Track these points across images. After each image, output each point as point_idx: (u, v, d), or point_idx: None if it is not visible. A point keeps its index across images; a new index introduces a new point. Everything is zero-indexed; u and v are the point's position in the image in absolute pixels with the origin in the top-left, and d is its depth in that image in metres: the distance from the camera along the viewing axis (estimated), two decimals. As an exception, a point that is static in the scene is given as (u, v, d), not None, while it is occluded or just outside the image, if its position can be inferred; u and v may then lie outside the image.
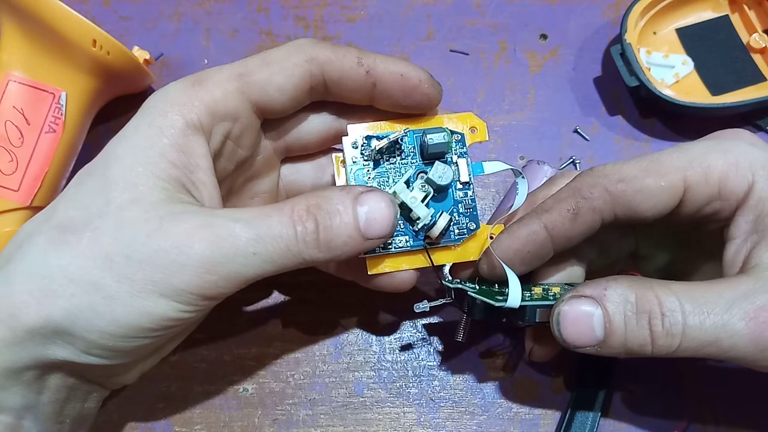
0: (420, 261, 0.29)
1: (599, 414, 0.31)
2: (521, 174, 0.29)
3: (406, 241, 0.28)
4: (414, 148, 0.29)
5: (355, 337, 0.34)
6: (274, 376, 0.33)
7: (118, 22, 0.41)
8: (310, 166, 0.31)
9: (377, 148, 0.28)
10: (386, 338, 0.34)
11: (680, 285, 0.24)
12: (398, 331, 0.34)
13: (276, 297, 0.35)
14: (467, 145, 0.29)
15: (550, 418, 0.32)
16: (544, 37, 0.41)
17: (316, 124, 0.30)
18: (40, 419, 0.25)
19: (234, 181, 0.29)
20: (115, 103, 0.37)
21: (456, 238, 0.29)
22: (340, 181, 0.29)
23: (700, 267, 0.30)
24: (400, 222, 0.28)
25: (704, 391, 0.32)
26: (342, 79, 0.27)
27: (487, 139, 0.30)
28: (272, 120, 0.29)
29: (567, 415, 0.31)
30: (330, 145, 0.31)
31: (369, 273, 0.28)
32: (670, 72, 0.39)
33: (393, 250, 0.28)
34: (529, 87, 0.40)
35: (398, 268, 0.29)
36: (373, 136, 0.28)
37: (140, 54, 0.38)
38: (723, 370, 0.33)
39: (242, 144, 0.28)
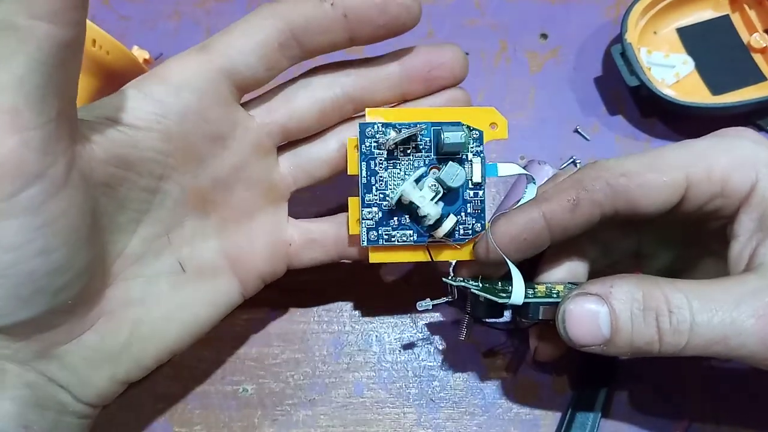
0: (421, 255, 0.29)
1: (600, 414, 0.31)
2: (533, 180, 0.29)
3: (410, 236, 0.29)
4: (430, 141, 0.28)
5: (355, 337, 0.34)
6: (274, 376, 0.33)
7: (118, 21, 0.41)
8: (316, 149, 0.30)
9: (392, 141, 0.27)
10: (386, 338, 0.34)
11: (687, 283, 0.24)
12: (398, 331, 0.34)
13: (276, 297, 0.34)
14: (485, 142, 0.29)
15: (551, 418, 0.32)
16: (544, 36, 0.41)
17: (306, 97, 0.28)
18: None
19: (215, 163, 0.28)
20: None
21: (460, 238, 0.29)
22: (351, 167, 0.28)
23: (703, 265, 0.30)
24: (406, 217, 0.29)
25: (706, 391, 0.32)
26: (309, 22, 0.26)
27: (507, 137, 0.29)
28: (258, 100, 0.28)
29: (567, 415, 0.31)
30: (330, 118, 0.29)
31: (370, 262, 0.29)
32: (671, 72, 0.39)
33: (396, 243, 0.29)
34: (529, 87, 0.40)
35: (399, 260, 0.29)
36: (391, 125, 0.28)
37: (140, 54, 0.38)
38: (725, 369, 0.33)
39: (209, 119, 0.26)
